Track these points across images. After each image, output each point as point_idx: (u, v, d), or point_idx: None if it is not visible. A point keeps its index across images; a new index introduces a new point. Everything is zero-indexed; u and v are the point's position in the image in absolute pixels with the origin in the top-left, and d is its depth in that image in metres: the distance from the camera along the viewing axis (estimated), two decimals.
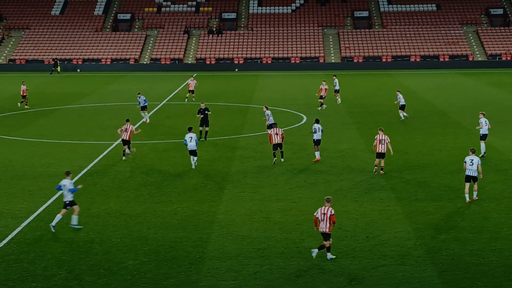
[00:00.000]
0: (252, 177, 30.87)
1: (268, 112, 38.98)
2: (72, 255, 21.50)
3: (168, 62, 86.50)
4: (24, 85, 53.60)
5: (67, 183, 24.09)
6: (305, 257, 21.12)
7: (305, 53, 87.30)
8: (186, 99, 55.51)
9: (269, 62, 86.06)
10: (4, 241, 22.63)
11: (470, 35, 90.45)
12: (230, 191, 28.65)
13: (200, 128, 39.16)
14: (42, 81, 73.60)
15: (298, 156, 35.14)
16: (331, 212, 20.85)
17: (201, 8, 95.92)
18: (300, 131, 41.96)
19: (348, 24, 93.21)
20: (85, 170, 32.43)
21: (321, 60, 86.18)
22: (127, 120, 35.85)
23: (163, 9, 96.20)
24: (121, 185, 29.72)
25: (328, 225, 20.78)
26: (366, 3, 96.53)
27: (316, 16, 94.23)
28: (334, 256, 21.00)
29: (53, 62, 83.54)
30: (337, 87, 54.41)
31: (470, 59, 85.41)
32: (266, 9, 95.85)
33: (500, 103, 53.39)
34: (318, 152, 33.96)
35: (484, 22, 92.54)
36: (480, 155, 33.72)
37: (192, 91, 55.49)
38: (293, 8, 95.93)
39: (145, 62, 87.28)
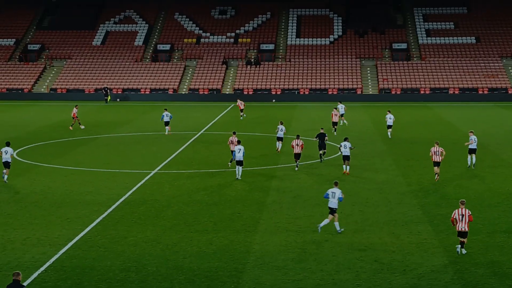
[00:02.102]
0: (288, 208, 30.86)
1: (280, 126, 45.86)
2: (108, 283, 21.65)
3: (206, 93, 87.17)
4: (76, 108, 58.22)
5: (337, 191, 26.74)
6: None
7: (343, 84, 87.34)
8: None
9: (307, 93, 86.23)
10: (42, 268, 22.88)
11: (509, 68, 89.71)
12: (266, 222, 28.65)
13: (320, 152, 42.28)
14: (81, 110, 74.52)
15: None
16: (468, 212, 24.10)
17: (239, 39, 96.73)
18: (336, 162, 41.85)
19: (386, 56, 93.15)
20: (123, 198, 32.71)
21: (359, 92, 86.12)
22: (234, 133, 41.01)
23: (202, 40, 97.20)
24: (158, 214, 29.91)
25: (466, 224, 23.93)
26: (404, 35, 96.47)
27: (354, 48, 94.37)
28: (466, 251, 24.14)
29: (104, 92, 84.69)
30: (341, 112, 59.38)
31: (510, 92, 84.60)
32: (304, 41, 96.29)
33: None
34: (346, 166, 38.22)
35: None
36: (467, 166, 40.01)
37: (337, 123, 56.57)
38: (331, 39, 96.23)
39: (183, 92, 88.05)
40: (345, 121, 60.12)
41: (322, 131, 42.71)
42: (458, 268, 22.83)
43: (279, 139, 45.70)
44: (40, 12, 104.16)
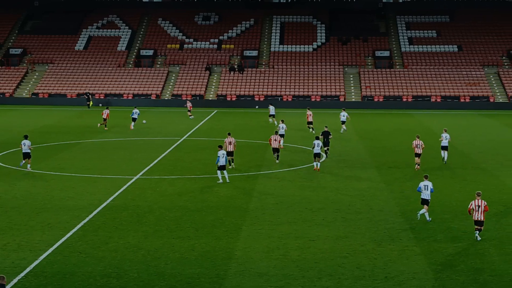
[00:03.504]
0: (271, 214, 30.84)
1: (282, 125, 50.15)
2: None
3: (189, 98, 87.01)
4: (108, 109, 62.22)
5: (429, 184, 29.42)
6: None
7: (326, 91, 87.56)
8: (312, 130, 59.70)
9: (290, 99, 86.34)
10: (22, 274, 22.70)
11: (491, 76, 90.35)
12: (248, 228, 28.62)
13: (325, 148, 45.57)
14: (64, 115, 74.35)
15: (317, 194, 35.11)
16: (484, 203, 26.61)
17: (223, 46, 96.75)
18: (323, 169, 41.86)
19: (369, 63, 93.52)
20: (105, 204, 32.56)
21: (342, 99, 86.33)
22: (229, 134, 42.33)
23: (185, 45, 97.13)
24: (140, 220, 29.79)
25: (482, 214, 26.44)
26: (387, 43, 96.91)
27: (337, 55, 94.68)
28: (480, 238, 26.56)
29: (86, 97, 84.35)
30: (272, 112, 67.30)
31: (491, 100, 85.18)
32: (287, 47, 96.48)
33: None
34: (317, 163, 41.10)
35: (506, 63, 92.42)
36: (444, 162, 43.98)
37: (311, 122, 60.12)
38: (314, 46, 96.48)
39: (166, 98, 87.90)
40: (275, 122, 65.00)
41: (326, 129, 46.51)
42: (439, 276, 22.90)
43: (281, 136, 48.41)
44: (22, 16, 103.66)
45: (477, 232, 26.75)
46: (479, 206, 26.61)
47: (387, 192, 35.67)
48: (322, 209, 31.84)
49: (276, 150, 43.82)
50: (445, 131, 45.07)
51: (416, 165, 41.55)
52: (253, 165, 43.48)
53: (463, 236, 27.61)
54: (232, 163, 41.80)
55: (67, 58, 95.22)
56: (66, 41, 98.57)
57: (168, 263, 24.00)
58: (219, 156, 37.21)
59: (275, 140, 43.53)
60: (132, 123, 61.23)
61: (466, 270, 23.46)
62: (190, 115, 71.37)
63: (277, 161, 43.83)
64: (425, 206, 29.59)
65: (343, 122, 59.69)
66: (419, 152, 41.50)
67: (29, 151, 41.01)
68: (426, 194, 29.48)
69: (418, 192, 30.26)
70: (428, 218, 29.62)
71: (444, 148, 44.34)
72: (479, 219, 26.60)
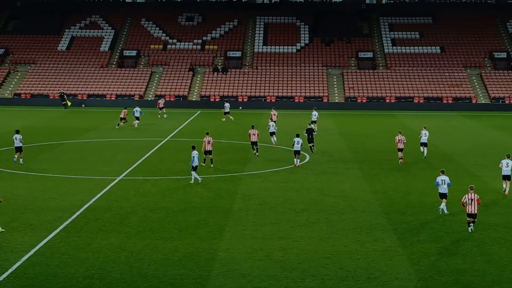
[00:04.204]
0: (254, 215, 30.84)
1: (271, 123, 52.06)
2: None
3: (172, 99, 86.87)
4: (126, 109, 63.52)
5: (446, 178, 30.83)
6: None
7: (309, 92, 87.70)
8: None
9: (273, 100, 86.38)
10: (4, 275, 22.57)
11: (473, 78, 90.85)
12: (231, 229, 28.60)
13: (310, 145, 48.07)
14: (46, 115, 74.00)
15: (301, 195, 35.15)
16: (477, 197, 27.83)
17: (206, 46, 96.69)
18: (302, 170, 41.97)
19: (352, 65, 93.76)
20: (87, 205, 32.43)
21: (325, 100, 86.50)
22: (207, 133, 42.95)
23: (168, 46, 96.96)
24: (123, 221, 29.69)
25: (475, 207, 27.57)
26: (370, 44, 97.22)
27: (320, 56, 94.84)
28: (472, 231, 27.78)
29: (59, 97, 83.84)
30: (227, 110, 70.74)
31: (474, 101, 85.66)
32: (271, 48, 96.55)
33: (503, 146, 53.25)
34: (297, 160, 42.70)
35: (488, 65, 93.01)
36: (423, 157, 45.96)
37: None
38: (298, 48, 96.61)
39: (149, 99, 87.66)
40: (224, 119, 69.85)
41: (309, 126, 49.40)
42: (421, 276, 22.99)
43: (272, 133, 51.67)
44: (4, 17, 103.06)
45: (471, 224, 27.85)
46: (472, 200, 27.73)
47: (370, 192, 35.78)
48: (305, 210, 31.89)
49: (254, 143, 46.34)
50: (425, 128, 47.12)
51: (400, 159, 43.47)
52: (236, 165, 43.46)
53: (446, 236, 27.74)
54: (211, 163, 42.35)
55: (49, 59, 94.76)
56: (48, 41, 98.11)
57: (151, 264, 23.94)
58: (193, 157, 37.24)
59: (254, 134, 46.28)
60: (136, 121, 63.05)
61: (448, 271, 23.57)
62: (163, 114, 72.49)
63: (256, 154, 46.17)
64: (444, 200, 30.85)
65: (314, 122, 60.52)
66: (402, 147, 43.53)
67: (21, 144, 42.41)
68: (443, 188, 30.80)
69: (435, 186, 31.50)
70: (446, 212, 30.80)
71: (424, 144, 46.31)
72: (472, 212, 27.70)
